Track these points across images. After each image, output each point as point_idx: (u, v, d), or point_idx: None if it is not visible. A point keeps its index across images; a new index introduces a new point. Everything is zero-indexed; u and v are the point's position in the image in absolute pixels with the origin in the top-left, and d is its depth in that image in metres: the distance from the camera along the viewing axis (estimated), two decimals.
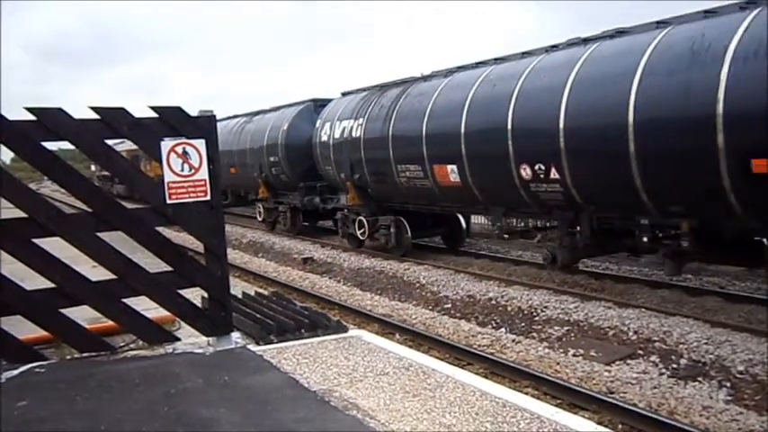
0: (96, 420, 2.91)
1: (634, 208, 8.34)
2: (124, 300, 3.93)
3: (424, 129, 11.57)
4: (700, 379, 6.07)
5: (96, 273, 3.92)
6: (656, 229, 8.35)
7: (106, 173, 33.01)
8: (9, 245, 3.63)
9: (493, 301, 9.23)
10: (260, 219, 20.04)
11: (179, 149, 3.94)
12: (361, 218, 14.16)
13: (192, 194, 3.97)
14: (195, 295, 4.39)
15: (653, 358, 6.64)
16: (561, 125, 8.71)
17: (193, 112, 4.19)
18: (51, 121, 3.68)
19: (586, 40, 9.36)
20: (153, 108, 3.95)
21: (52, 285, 3.75)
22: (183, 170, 3.94)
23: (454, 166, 10.93)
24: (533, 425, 2.79)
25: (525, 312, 8.64)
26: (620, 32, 8.88)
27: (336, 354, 3.90)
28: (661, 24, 8.20)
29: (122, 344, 4.16)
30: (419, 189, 12.24)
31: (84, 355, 3.97)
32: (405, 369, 3.58)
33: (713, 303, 8.34)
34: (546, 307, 8.62)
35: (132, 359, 3.91)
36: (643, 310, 8.06)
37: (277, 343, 4.20)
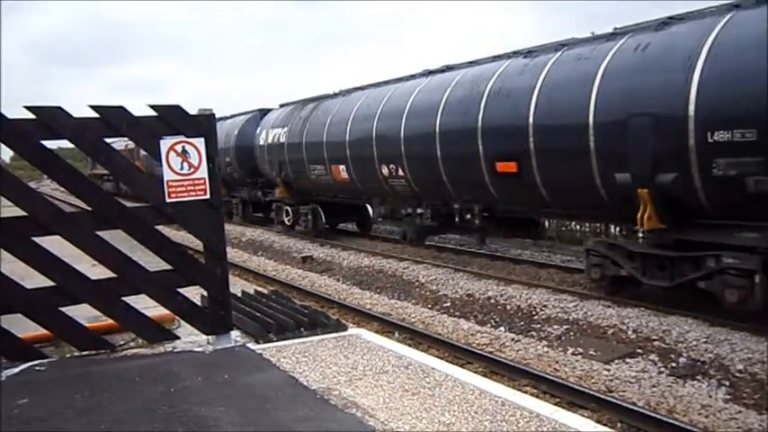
0: (96, 418, 2.92)
1: (447, 197, 11.43)
2: (124, 298, 3.93)
3: (324, 137, 14.70)
4: (699, 378, 6.08)
5: (96, 271, 3.93)
6: (463, 212, 11.36)
7: (98, 171, 33.10)
8: (9, 243, 3.63)
9: (492, 300, 9.24)
10: None
11: (178, 148, 3.94)
12: (287, 207, 17.50)
13: (191, 193, 3.97)
14: (195, 294, 4.40)
15: (652, 357, 6.65)
16: (402, 136, 11.92)
17: (193, 111, 4.19)
18: (51, 119, 3.68)
19: (432, 72, 12.41)
20: (152, 107, 3.94)
21: (52, 284, 3.75)
22: (182, 169, 3.94)
23: (344, 166, 14.11)
24: (532, 423, 2.80)
25: (524, 311, 8.65)
26: (449, 68, 11.99)
27: (336, 352, 3.91)
28: (473, 63, 11.35)
29: (122, 342, 4.17)
30: (324, 184, 15.39)
31: (84, 353, 3.97)
32: (404, 367, 3.59)
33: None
34: (545, 306, 8.63)
35: (132, 357, 3.92)
36: (642, 308, 8.07)
37: (276, 341, 4.20)
